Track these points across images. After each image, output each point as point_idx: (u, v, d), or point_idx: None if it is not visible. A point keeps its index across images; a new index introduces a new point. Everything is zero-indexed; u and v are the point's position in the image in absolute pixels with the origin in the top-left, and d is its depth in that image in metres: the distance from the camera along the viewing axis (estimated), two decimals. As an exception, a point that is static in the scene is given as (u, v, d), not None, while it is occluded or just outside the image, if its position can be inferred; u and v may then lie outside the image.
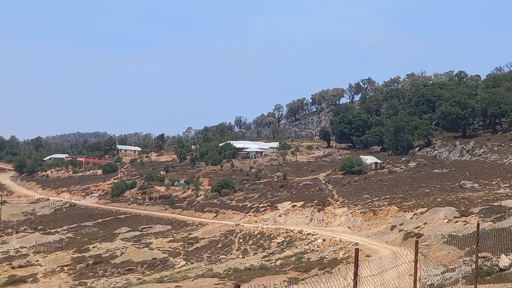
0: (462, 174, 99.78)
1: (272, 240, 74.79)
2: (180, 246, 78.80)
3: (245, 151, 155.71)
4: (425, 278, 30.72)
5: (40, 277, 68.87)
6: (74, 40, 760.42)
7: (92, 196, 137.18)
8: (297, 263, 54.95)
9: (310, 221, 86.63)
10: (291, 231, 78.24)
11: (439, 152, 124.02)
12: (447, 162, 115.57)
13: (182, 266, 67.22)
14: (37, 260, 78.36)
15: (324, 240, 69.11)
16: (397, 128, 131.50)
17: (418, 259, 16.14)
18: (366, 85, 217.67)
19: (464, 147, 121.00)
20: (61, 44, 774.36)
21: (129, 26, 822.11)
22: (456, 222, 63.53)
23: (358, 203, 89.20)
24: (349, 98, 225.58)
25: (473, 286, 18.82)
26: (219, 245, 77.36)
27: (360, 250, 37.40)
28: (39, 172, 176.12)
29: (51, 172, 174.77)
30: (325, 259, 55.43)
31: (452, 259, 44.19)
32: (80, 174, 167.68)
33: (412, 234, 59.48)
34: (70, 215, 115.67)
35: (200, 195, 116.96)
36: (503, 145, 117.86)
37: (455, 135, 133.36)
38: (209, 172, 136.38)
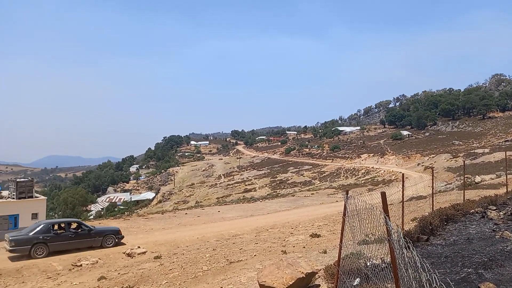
0: (453, 137, 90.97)
1: (359, 172, 72.80)
2: (316, 175, 78.93)
3: (344, 131, 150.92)
4: (436, 187, 28.92)
5: (257, 189, 72.10)
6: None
7: (276, 154, 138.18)
8: (371, 182, 53.38)
9: (377, 162, 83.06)
10: (368, 167, 75.53)
11: (440, 127, 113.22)
12: (445, 132, 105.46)
13: (318, 184, 67.49)
14: (256, 182, 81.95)
15: (384, 171, 66.26)
16: (418, 117, 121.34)
17: (434, 179, 15.36)
18: (396, 101, 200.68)
19: (454, 125, 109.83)
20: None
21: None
22: (451, 160, 58.60)
23: (400, 153, 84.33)
24: (394, 104, 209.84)
25: (462, 191, 17.54)
26: (334, 174, 76.55)
27: (405, 175, 35.81)
28: (254, 144, 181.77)
29: (259, 144, 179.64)
30: (385, 179, 53.46)
31: (449, 178, 40.74)
32: (271, 144, 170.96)
33: (429, 167, 55.69)
34: (268, 162, 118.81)
35: (324, 152, 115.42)
36: (472, 123, 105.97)
37: (449, 119, 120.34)
38: (327, 142, 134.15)
